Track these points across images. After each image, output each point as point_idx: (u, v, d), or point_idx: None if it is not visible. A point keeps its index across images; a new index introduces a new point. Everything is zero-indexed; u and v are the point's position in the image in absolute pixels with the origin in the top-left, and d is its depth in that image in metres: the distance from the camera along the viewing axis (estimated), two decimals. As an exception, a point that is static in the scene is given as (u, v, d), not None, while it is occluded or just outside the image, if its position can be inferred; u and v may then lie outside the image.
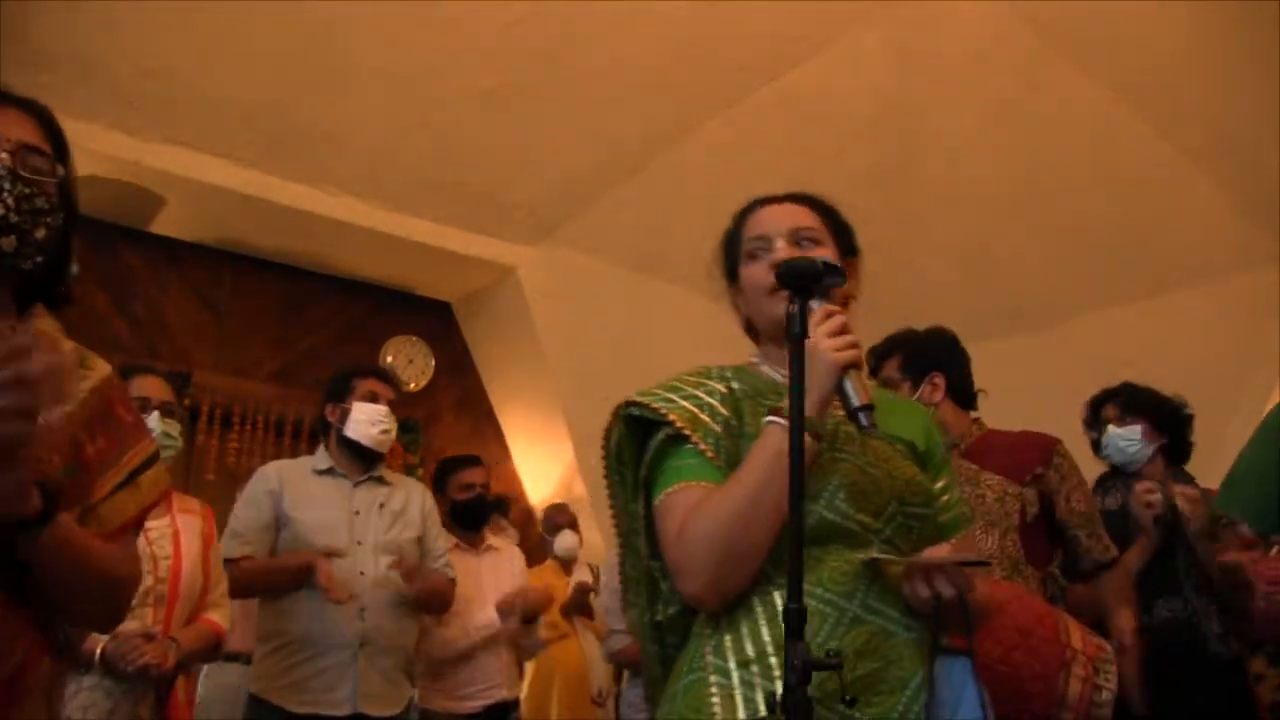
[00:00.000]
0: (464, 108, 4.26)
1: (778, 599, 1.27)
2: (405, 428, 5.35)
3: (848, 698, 1.13)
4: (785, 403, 1.24)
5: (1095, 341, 4.94)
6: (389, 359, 5.43)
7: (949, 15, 4.10)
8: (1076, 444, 3.01)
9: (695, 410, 1.36)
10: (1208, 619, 2.57)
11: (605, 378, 5.14)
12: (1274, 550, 2.06)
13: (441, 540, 3.10)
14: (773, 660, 1.24)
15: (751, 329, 1.54)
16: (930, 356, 2.61)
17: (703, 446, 1.33)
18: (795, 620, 1.02)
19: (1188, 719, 2.55)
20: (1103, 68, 4.12)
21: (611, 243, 5.06)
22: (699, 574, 1.27)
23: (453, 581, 3.07)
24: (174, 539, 2.47)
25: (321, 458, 2.99)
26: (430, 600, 2.99)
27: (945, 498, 1.46)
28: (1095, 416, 2.97)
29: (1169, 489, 2.61)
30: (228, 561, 2.75)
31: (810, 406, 1.22)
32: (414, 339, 5.55)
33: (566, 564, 4.70)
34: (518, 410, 5.63)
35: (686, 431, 1.34)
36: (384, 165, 4.53)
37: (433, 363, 5.58)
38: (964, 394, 2.63)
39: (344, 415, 2.94)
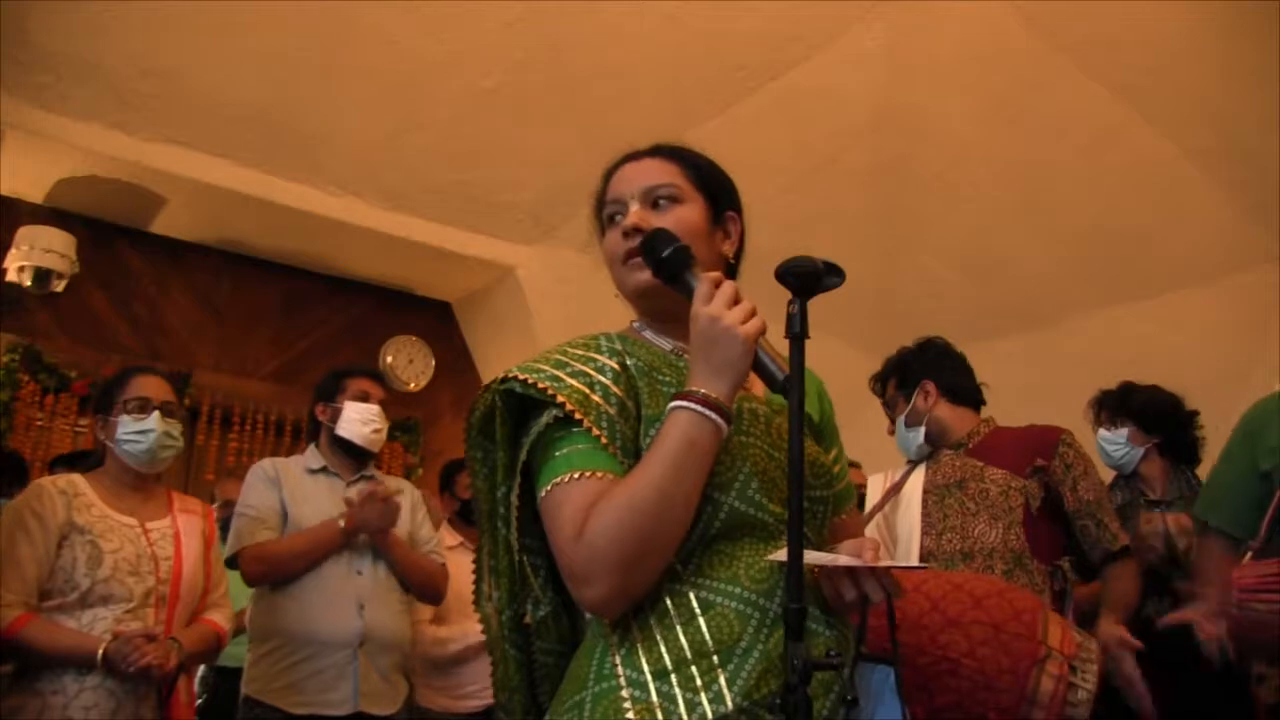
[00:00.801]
0: (464, 108, 4.26)
1: (694, 599, 1.17)
2: (405, 428, 5.36)
3: (849, 697, 1.11)
4: (692, 384, 1.16)
5: (1095, 341, 4.94)
6: (389, 359, 5.43)
7: (949, 15, 4.10)
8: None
9: (586, 390, 1.20)
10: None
11: (605, 378, 5.15)
12: (1247, 557, 2.05)
13: (428, 529, 3.09)
14: (693, 669, 1.13)
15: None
16: (918, 367, 2.72)
17: (596, 431, 1.18)
18: (795, 620, 1.01)
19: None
20: (1103, 68, 4.11)
21: (611, 243, 5.05)
22: (603, 579, 1.11)
23: (443, 567, 3.05)
24: (175, 539, 2.47)
25: (313, 457, 2.98)
26: (421, 582, 2.96)
27: (836, 468, 1.40)
28: (1096, 417, 2.99)
29: (1166, 520, 2.60)
30: (249, 548, 2.72)
31: (724, 391, 1.14)
32: (414, 339, 5.55)
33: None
34: (518, 410, 5.62)
35: (577, 414, 1.18)
36: (384, 165, 4.52)
37: (433, 363, 5.58)
38: (962, 393, 2.66)
39: (335, 414, 2.94)
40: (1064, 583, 2.46)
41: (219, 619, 2.56)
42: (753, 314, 1.17)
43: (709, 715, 1.10)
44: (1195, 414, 2.95)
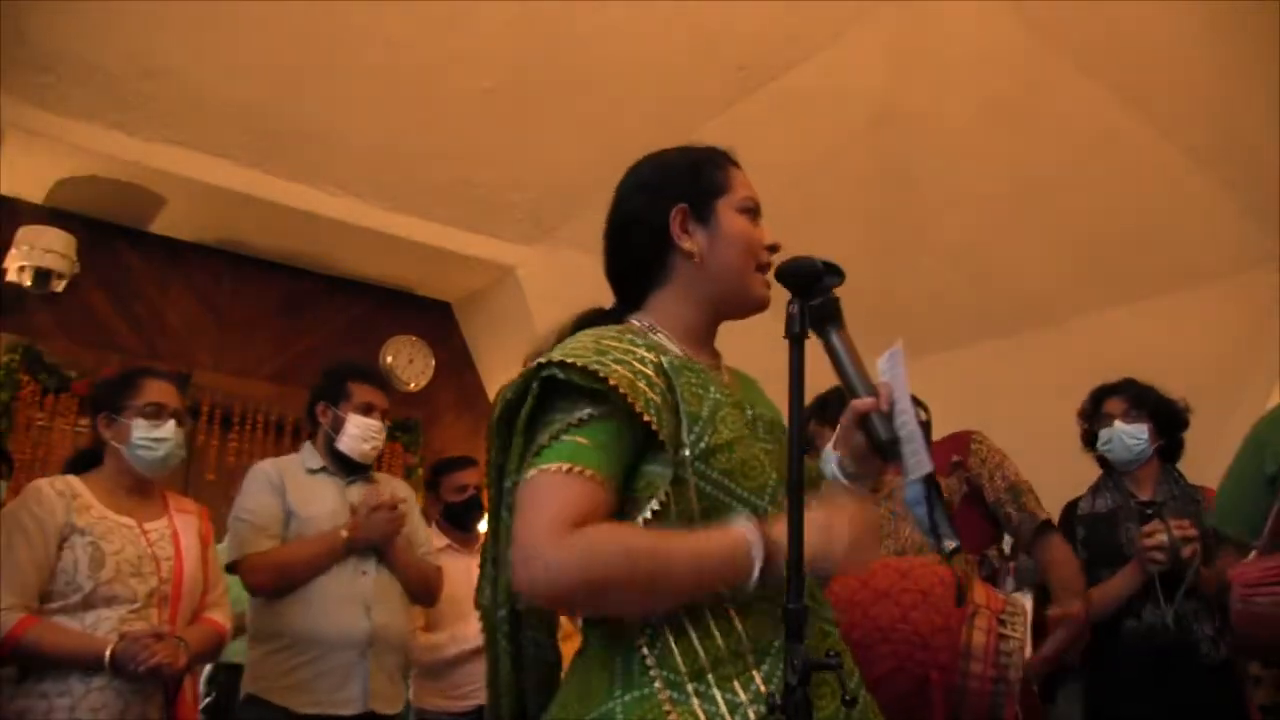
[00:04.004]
0: (464, 108, 4.26)
1: (731, 603, 1.17)
2: (405, 428, 5.35)
3: (848, 697, 1.09)
4: (777, 529, 1.10)
5: (1095, 341, 4.93)
6: (389, 359, 5.42)
7: (949, 15, 4.10)
8: (1077, 442, 3.01)
9: (631, 376, 1.17)
10: (1198, 622, 2.57)
11: (605, 378, 5.15)
12: (1252, 555, 2.06)
13: (423, 532, 3.09)
14: (730, 669, 1.14)
15: (633, 280, 1.41)
16: (838, 402, 2.82)
17: (647, 417, 1.15)
18: (795, 621, 1.01)
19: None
20: (1103, 68, 4.11)
21: (611, 243, 5.05)
22: (564, 586, 1.09)
23: (439, 570, 3.07)
24: (174, 539, 2.47)
25: (312, 456, 2.95)
26: (418, 585, 2.98)
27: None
28: (1096, 410, 2.94)
29: (1170, 528, 2.60)
30: (252, 557, 2.72)
31: (783, 560, 1.09)
32: (414, 339, 5.55)
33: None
34: (518, 410, 5.62)
35: (629, 396, 1.15)
36: (384, 165, 4.52)
37: (433, 363, 5.58)
38: None
39: (337, 423, 2.90)
40: (992, 570, 2.55)
41: (220, 618, 2.56)
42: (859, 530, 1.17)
43: (751, 717, 1.10)
44: (1188, 420, 2.95)
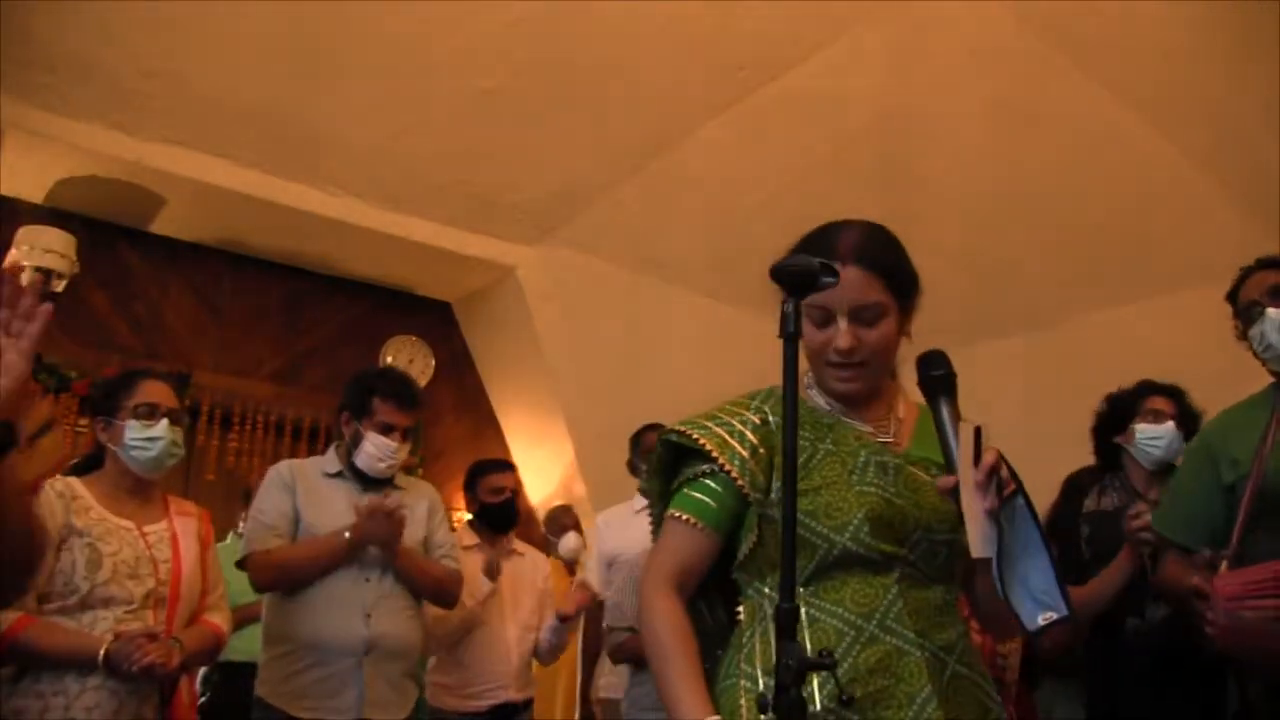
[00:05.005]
0: (464, 108, 4.26)
1: (803, 615, 1.37)
2: (405, 428, 5.35)
3: (845, 697, 1.18)
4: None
5: (1095, 341, 4.94)
6: (389, 359, 5.43)
7: (949, 15, 4.10)
8: (1077, 442, 3.00)
9: (725, 435, 1.46)
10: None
11: (605, 378, 5.16)
12: (1223, 565, 2.04)
13: (444, 533, 3.06)
14: None
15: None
16: None
17: (729, 468, 1.43)
18: (787, 620, 1.01)
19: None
20: (1103, 68, 4.12)
21: (611, 243, 5.06)
22: (639, 624, 1.46)
23: (455, 573, 3.05)
24: (172, 541, 2.46)
25: (332, 461, 2.96)
26: (430, 590, 2.97)
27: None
28: (1139, 402, 2.87)
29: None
30: (257, 554, 2.73)
31: None
32: (414, 339, 5.55)
33: (570, 565, 4.71)
34: (518, 410, 5.63)
35: (715, 453, 1.44)
36: (384, 165, 4.53)
37: (433, 363, 5.58)
38: None
39: (357, 438, 2.90)
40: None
41: (218, 620, 2.56)
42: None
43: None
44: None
